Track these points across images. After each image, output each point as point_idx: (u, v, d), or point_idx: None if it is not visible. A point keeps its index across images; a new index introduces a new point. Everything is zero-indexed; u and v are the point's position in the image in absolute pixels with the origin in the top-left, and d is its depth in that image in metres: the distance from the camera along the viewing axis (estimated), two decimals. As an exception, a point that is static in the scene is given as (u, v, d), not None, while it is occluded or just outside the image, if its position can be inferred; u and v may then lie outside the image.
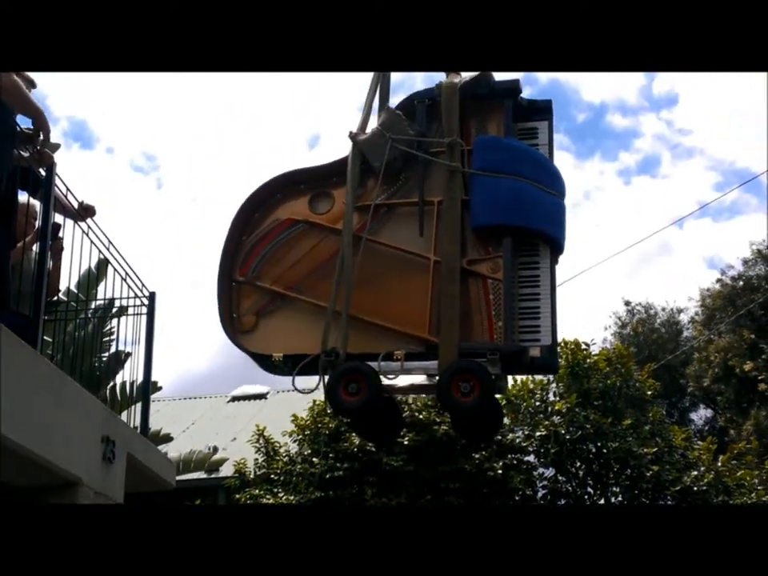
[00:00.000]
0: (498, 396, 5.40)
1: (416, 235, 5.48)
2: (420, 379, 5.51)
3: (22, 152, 4.44)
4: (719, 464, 12.47)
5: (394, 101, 5.80)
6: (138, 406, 6.31)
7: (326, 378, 5.24)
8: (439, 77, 5.73)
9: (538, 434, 12.75)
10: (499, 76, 5.65)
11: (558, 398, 13.72)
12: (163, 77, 38.23)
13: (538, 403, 13.59)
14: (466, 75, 5.54)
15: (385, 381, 5.27)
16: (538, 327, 5.31)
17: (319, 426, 12.98)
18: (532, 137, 5.63)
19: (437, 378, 5.36)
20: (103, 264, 5.82)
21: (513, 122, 5.55)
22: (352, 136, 5.57)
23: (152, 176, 41.44)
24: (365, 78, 5.79)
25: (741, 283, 20.89)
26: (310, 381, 5.48)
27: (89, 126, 40.44)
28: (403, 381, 5.53)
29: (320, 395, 14.13)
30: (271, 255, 5.65)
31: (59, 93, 38.43)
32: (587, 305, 33.44)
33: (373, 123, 5.69)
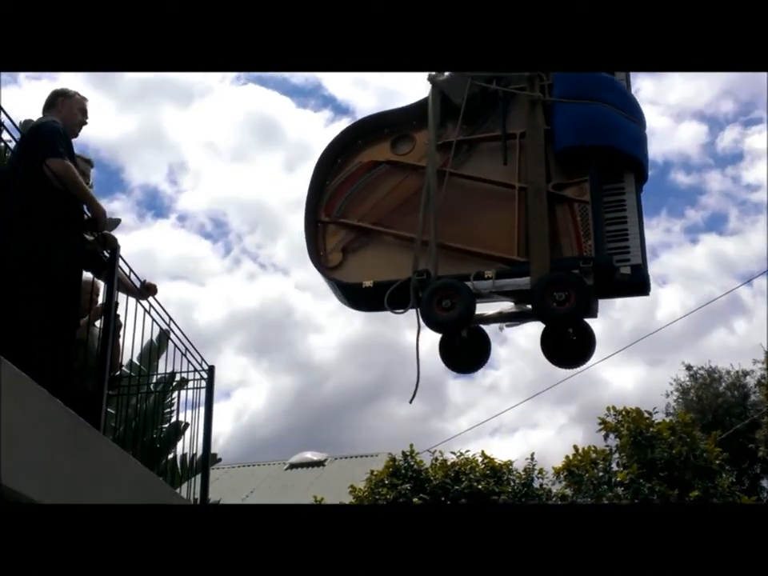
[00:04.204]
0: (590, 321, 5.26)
1: (499, 166, 5.53)
2: (508, 307, 5.45)
3: (87, 236, 4.55)
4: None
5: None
6: (198, 477, 6.15)
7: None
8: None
9: (601, 505, 12.38)
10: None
11: (621, 468, 13.36)
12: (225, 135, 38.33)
13: (600, 474, 13.23)
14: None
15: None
16: (627, 248, 5.26)
17: (377, 497, 12.71)
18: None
19: (527, 305, 5.30)
20: (164, 336, 5.83)
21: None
22: (431, 78, 5.70)
23: (220, 242, 41.27)
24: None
25: (808, 345, 20.32)
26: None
27: (160, 194, 40.53)
28: (492, 309, 5.48)
29: (378, 465, 14.00)
30: (355, 195, 5.73)
31: (133, 161, 38.57)
32: (651, 367, 32.39)
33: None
